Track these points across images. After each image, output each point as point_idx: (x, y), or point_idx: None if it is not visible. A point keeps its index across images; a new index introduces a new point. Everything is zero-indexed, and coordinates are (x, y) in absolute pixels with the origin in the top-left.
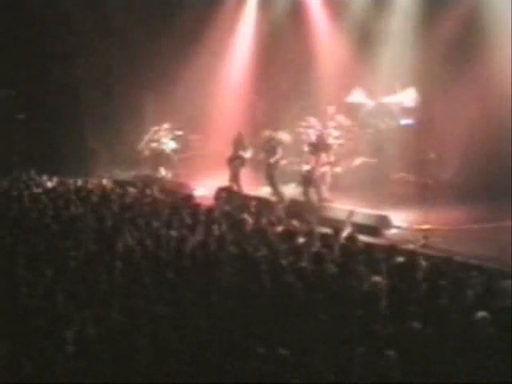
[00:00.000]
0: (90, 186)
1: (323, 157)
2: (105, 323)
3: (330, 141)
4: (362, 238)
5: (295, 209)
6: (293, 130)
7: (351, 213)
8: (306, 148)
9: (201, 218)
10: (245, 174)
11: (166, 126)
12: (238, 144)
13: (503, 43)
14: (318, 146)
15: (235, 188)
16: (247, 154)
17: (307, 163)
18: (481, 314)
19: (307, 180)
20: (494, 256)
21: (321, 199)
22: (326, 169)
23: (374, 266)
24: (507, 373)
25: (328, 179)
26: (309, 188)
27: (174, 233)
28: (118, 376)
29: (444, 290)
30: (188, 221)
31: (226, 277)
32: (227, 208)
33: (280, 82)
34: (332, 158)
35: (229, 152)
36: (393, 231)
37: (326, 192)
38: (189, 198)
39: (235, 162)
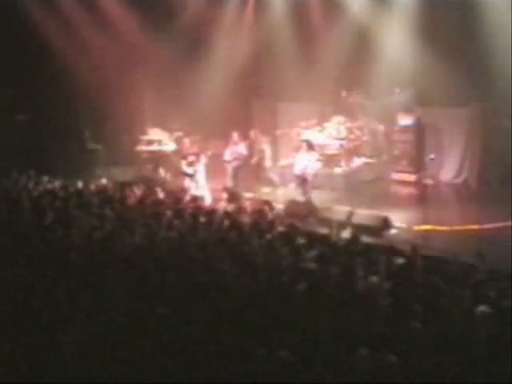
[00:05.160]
0: (90, 187)
1: (315, 157)
2: (105, 324)
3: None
4: (362, 238)
5: (295, 209)
6: (292, 130)
7: (350, 213)
8: (302, 147)
9: (201, 219)
10: (243, 175)
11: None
12: (235, 145)
13: (503, 43)
14: (311, 147)
15: (235, 189)
16: (245, 153)
17: (300, 163)
18: (481, 308)
19: (302, 180)
20: (494, 256)
21: (308, 198)
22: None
23: (373, 266)
24: (508, 372)
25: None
26: (306, 188)
27: (175, 234)
28: (118, 376)
29: (444, 291)
30: (189, 222)
31: (227, 278)
32: (227, 209)
33: (279, 83)
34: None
35: (227, 153)
36: (393, 232)
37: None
38: (192, 199)
39: (233, 163)
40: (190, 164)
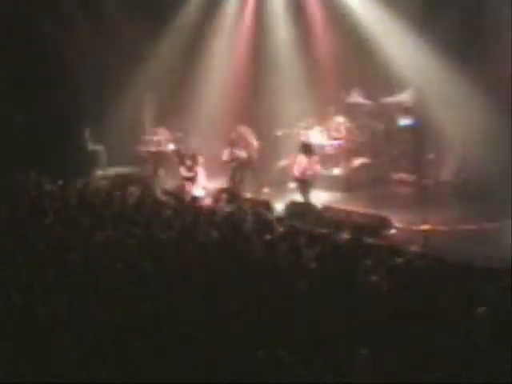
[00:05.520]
0: (89, 187)
1: (314, 158)
2: (105, 324)
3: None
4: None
5: (295, 210)
6: (292, 130)
7: (350, 213)
8: (299, 149)
9: (201, 219)
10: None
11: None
12: (234, 146)
13: (504, 43)
14: (310, 148)
15: (234, 189)
16: (244, 155)
17: (299, 164)
18: (481, 309)
19: (301, 181)
20: (494, 256)
21: (308, 198)
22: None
23: (373, 266)
24: (508, 372)
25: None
26: (305, 188)
27: (174, 234)
28: (118, 376)
29: (444, 291)
30: (188, 222)
31: (226, 278)
32: (227, 209)
33: (279, 83)
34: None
35: (226, 154)
36: (392, 232)
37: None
38: (193, 199)
39: (232, 164)
40: (189, 168)
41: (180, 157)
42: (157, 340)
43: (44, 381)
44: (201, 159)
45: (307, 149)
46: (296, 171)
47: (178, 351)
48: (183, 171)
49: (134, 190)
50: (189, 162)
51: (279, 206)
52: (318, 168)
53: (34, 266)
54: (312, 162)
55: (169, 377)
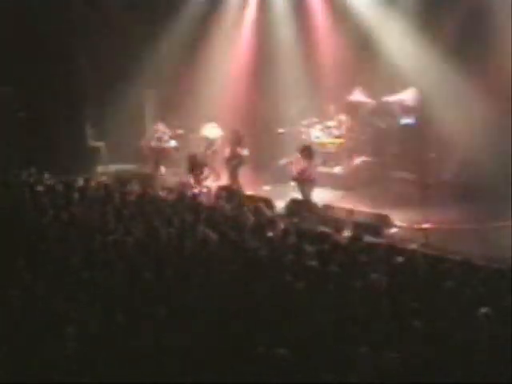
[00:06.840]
0: (90, 184)
1: (313, 162)
2: (105, 323)
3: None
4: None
5: (296, 208)
6: (294, 128)
7: (351, 212)
8: (298, 152)
9: (201, 216)
10: (243, 173)
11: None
12: (236, 143)
13: (505, 43)
14: (310, 152)
15: (235, 187)
16: (245, 153)
17: (298, 164)
18: (483, 310)
19: (300, 180)
20: (494, 256)
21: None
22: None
23: (374, 265)
24: (508, 372)
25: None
26: (304, 188)
27: (174, 231)
28: (118, 376)
29: (444, 290)
30: (189, 220)
31: (226, 276)
32: (227, 207)
33: (281, 81)
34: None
35: (227, 151)
36: (393, 231)
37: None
38: (193, 197)
39: (233, 161)
40: (198, 179)
41: (192, 165)
42: (157, 339)
43: (44, 380)
44: (207, 171)
45: (307, 152)
46: (294, 172)
47: (178, 350)
48: (192, 180)
49: (134, 187)
50: (198, 172)
51: (280, 204)
52: (316, 173)
53: (35, 264)
54: (311, 165)
55: (169, 376)
